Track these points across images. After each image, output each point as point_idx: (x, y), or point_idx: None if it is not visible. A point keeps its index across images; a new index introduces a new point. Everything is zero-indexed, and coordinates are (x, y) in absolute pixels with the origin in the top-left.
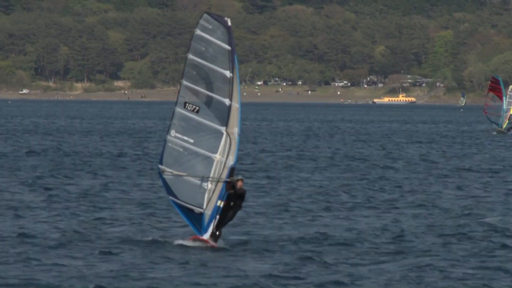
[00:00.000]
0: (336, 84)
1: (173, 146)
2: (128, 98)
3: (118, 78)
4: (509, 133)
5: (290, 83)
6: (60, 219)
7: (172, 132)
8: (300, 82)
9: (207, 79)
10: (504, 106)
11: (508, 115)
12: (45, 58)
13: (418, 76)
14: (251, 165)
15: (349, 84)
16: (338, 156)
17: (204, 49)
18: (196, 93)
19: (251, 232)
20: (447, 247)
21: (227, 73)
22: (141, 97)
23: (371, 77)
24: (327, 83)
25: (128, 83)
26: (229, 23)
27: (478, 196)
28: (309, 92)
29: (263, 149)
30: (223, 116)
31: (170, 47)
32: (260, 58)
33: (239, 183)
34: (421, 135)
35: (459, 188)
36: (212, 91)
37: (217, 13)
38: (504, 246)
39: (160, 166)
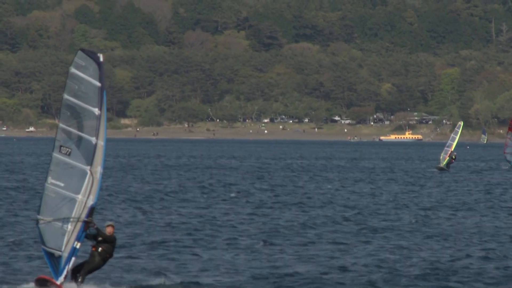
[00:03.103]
0: (343, 121)
1: (48, 193)
2: (135, 135)
3: (125, 116)
4: (449, 168)
5: (296, 120)
6: None
7: (49, 179)
8: (306, 120)
9: (78, 118)
10: None
11: (449, 152)
12: (51, 96)
13: (424, 114)
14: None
15: (355, 121)
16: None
17: (77, 87)
18: (69, 134)
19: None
20: None
21: (96, 111)
22: (153, 134)
23: (377, 114)
24: (333, 120)
25: (135, 121)
26: (101, 59)
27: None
28: (316, 129)
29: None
30: (90, 155)
31: (177, 84)
32: (266, 95)
33: (109, 229)
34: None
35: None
36: (82, 131)
37: (223, 51)
38: None
39: (37, 216)
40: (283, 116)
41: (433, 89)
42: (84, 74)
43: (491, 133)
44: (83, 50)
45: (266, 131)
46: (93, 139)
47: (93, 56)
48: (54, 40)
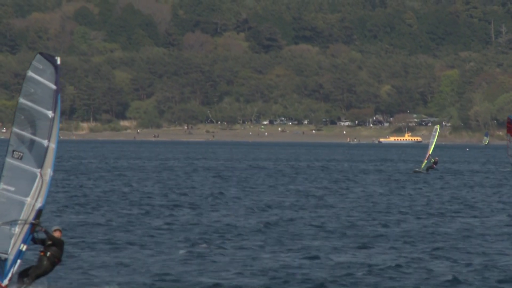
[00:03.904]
0: (342, 123)
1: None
2: (134, 137)
3: (124, 117)
4: (428, 172)
5: (296, 122)
6: None
7: (1, 185)
8: (306, 122)
9: (32, 122)
10: None
11: (427, 155)
12: None
13: (424, 115)
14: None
15: (356, 123)
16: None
17: (33, 90)
18: (22, 138)
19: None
20: None
21: (49, 113)
22: (154, 136)
23: (377, 116)
24: (333, 122)
25: (135, 123)
26: (59, 62)
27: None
28: (313, 131)
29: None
30: (41, 158)
31: (177, 86)
32: (266, 97)
33: (57, 234)
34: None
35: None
36: (35, 134)
37: (223, 52)
38: None
39: None
40: (283, 118)
41: (432, 90)
42: (41, 77)
43: (490, 135)
44: (41, 54)
45: (266, 133)
46: (45, 142)
47: (51, 59)
48: (53, 42)
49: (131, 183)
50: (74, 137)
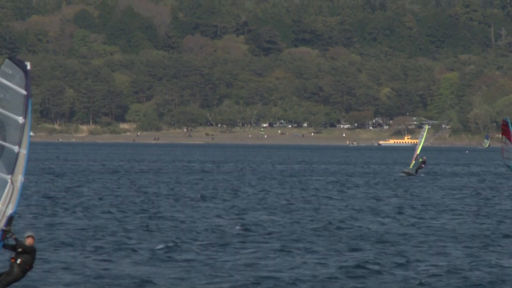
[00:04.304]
0: (342, 126)
1: None
2: (134, 140)
3: (124, 120)
4: (417, 173)
5: (295, 125)
6: None
7: None
8: (305, 124)
9: (2, 127)
10: None
11: (415, 156)
12: (50, 100)
13: (423, 118)
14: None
15: (355, 125)
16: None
17: (2, 96)
18: None
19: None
20: None
21: (20, 119)
22: (154, 139)
23: (376, 119)
24: (332, 125)
25: (134, 126)
26: (29, 67)
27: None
28: (313, 134)
29: None
30: (11, 164)
31: (176, 89)
32: (266, 100)
33: (29, 240)
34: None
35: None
36: (5, 140)
37: (222, 55)
38: None
39: None
40: (282, 121)
41: (432, 93)
42: (10, 83)
43: (490, 137)
44: (10, 59)
45: (266, 136)
46: (16, 148)
47: (20, 64)
48: (53, 45)
49: (115, 185)
50: (74, 140)
